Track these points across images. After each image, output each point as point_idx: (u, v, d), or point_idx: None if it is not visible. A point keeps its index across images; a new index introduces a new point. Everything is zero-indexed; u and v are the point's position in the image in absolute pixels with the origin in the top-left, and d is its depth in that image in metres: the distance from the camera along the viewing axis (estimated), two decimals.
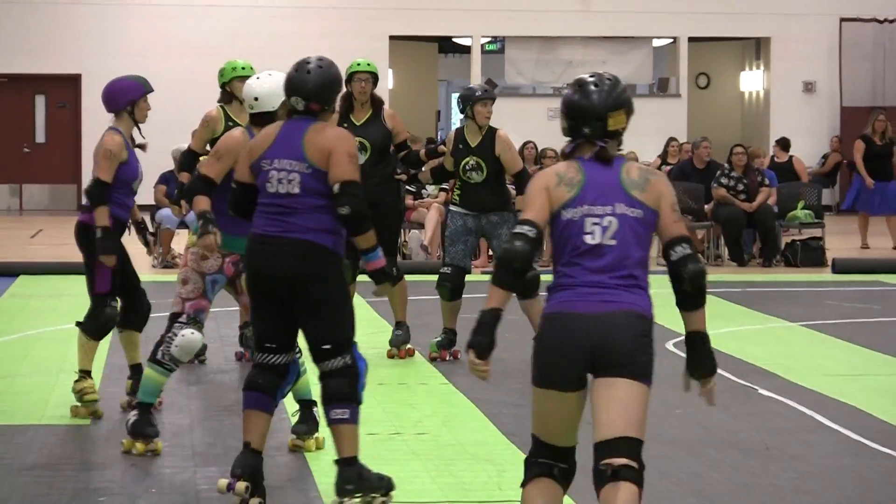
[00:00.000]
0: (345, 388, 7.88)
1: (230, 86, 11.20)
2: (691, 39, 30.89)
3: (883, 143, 23.32)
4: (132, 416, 9.08)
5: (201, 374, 11.90)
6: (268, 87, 9.04)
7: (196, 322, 9.04)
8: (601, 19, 30.25)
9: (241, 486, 7.81)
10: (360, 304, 13.31)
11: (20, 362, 12.36)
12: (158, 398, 10.12)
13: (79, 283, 16.59)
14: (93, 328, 10.16)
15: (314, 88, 7.79)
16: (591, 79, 6.37)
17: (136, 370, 10.28)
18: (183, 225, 20.62)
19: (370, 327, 12.90)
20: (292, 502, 8.25)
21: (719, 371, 12.06)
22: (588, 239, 6.20)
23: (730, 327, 14.43)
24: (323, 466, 8.79)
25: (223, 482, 7.89)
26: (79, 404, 10.07)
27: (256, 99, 9.08)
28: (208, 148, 11.77)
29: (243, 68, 11.69)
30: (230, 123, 11.58)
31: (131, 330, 10.36)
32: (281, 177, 7.79)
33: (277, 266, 7.77)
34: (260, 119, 9.02)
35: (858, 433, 9.80)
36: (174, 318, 9.09)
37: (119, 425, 9.93)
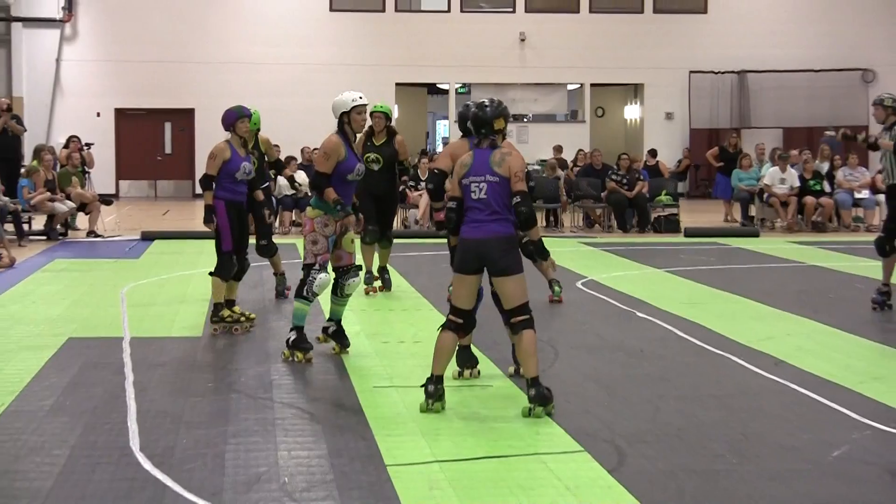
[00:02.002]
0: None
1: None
2: (593, 85, 30.84)
3: (734, 152, 23.49)
4: (291, 335, 8.93)
5: (275, 304, 11.90)
6: (336, 101, 9.03)
7: (324, 269, 8.92)
8: (533, 72, 30.19)
9: (466, 372, 8.27)
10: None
11: (155, 296, 12.33)
12: (243, 326, 10.12)
13: (193, 245, 16.67)
14: (220, 271, 10.12)
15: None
16: (486, 102, 7.56)
17: (230, 303, 10.26)
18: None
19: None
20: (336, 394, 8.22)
21: (610, 300, 12.16)
22: (472, 195, 7.32)
23: (617, 272, 14.44)
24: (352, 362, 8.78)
25: (456, 372, 8.19)
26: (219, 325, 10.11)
27: (332, 110, 9.03)
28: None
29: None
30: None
31: (233, 280, 10.32)
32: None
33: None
34: (338, 123, 8.99)
35: (701, 341, 9.81)
36: (309, 267, 8.92)
37: (217, 341, 9.93)
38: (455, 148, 9.01)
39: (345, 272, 9.07)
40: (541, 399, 7.19)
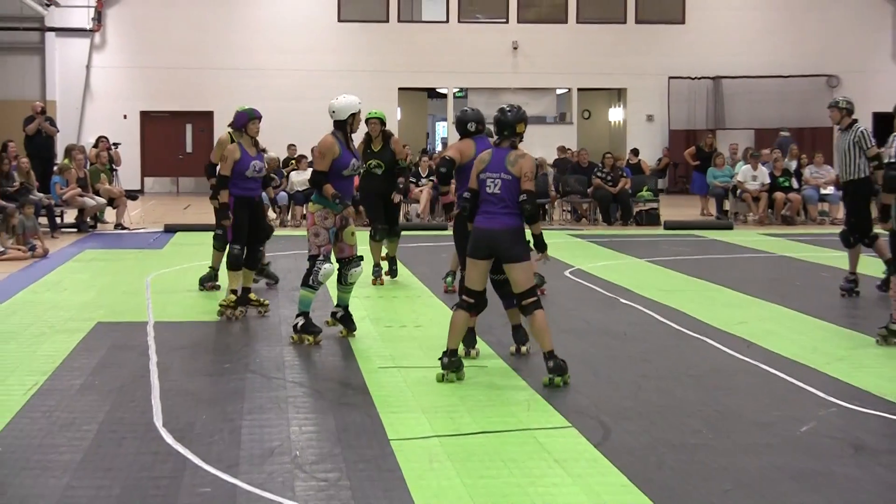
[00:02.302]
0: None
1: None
2: (580, 89, 30.73)
3: (709, 151, 23.49)
4: (299, 320, 8.91)
5: (286, 291, 11.88)
6: (342, 104, 8.96)
7: (328, 259, 8.89)
8: (525, 77, 30.08)
9: (473, 351, 8.30)
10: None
11: (177, 284, 12.30)
12: (239, 312, 10.10)
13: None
14: (228, 263, 10.13)
15: (480, 119, 8.68)
16: (508, 108, 7.74)
17: (246, 290, 10.21)
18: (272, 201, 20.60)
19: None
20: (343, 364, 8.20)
21: (595, 287, 12.09)
22: (487, 189, 7.54)
23: (601, 262, 14.41)
24: (360, 345, 8.75)
25: (463, 352, 8.17)
26: (222, 307, 10.06)
27: (334, 111, 8.94)
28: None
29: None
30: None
31: (248, 269, 10.25)
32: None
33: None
34: (338, 125, 8.95)
35: (679, 325, 9.79)
36: (314, 258, 8.88)
37: (233, 325, 9.89)
38: (462, 145, 9.09)
39: (347, 262, 9.06)
40: (558, 370, 7.45)
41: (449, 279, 11.57)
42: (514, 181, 7.47)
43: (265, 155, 10.39)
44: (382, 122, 12.14)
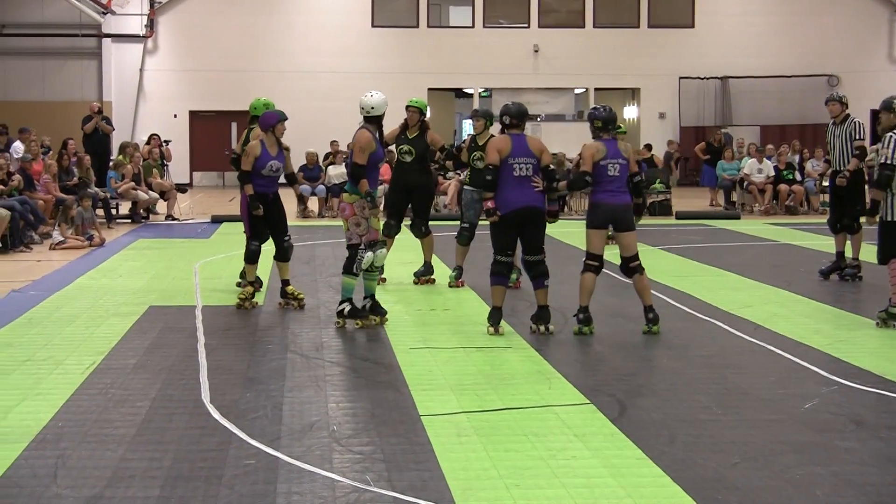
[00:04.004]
0: (545, 269, 8.58)
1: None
2: (596, 89, 30.59)
3: (718, 146, 23.35)
4: (345, 306, 8.79)
5: (325, 278, 11.83)
6: (379, 100, 8.95)
7: (369, 248, 8.79)
8: (544, 78, 30.02)
9: (499, 329, 8.46)
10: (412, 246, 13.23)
11: (222, 270, 12.29)
12: (250, 303, 9.94)
13: None
14: (246, 257, 9.95)
15: (517, 114, 8.68)
16: (602, 107, 8.68)
17: (284, 282, 9.89)
18: (313, 193, 20.62)
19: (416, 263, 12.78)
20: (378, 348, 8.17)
21: (610, 273, 12.00)
22: (609, 172, 8.40)
23: (616, 249, 14.31)
24: (394, 329, 8.72)
25: (491, 329, 8.45)
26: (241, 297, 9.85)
27: (373, 108, 8.92)
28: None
29: (266, 105, 10.51)
30: (249, 137, 10.40)
31: (281, 261, 9.87)
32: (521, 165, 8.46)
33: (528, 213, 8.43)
34: (373, 120, 8.94)
35: (689, 308, 9.73)
36: (355, 247, 8.81)
37: (274, 309, 9.86)
38: (498, 143, 8.56)
39: (372, 245, 8.87)
40: (656, 321, 8.47)
41: (453, 275, 11.28)
42: (626, 165, 8.46)
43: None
44: (422, 111, 11.22)
